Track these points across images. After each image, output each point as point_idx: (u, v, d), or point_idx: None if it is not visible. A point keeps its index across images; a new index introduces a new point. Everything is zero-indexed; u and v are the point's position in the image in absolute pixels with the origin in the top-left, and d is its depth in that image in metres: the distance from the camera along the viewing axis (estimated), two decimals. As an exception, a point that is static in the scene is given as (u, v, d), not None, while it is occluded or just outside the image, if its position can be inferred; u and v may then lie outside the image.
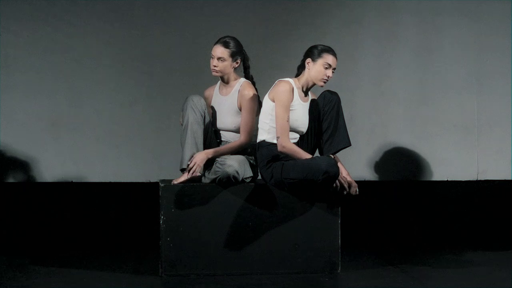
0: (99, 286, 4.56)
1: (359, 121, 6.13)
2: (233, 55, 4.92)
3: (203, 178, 4.89)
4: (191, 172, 4.79)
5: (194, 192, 4.78)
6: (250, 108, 4.89)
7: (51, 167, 5.98)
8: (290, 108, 4.80)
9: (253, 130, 4.92)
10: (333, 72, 4.86)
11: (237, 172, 4.73)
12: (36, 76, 5.99)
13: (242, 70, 5.03)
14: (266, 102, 4.84)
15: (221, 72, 4.94)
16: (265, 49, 6.01)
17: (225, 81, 5.00)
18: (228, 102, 4.96)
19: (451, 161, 6.18)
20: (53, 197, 5.96)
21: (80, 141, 5.99)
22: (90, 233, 5.92)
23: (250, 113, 4.90)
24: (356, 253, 5.48)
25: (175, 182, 4.80)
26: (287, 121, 4.77)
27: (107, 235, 5.89)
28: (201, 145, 4.87)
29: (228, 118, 4.97)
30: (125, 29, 6.04)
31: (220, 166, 4.74)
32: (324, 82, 4.85)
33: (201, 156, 4.82)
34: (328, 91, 4.87)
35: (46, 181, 5.96)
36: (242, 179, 4.79)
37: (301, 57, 4.92)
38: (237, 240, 4.77)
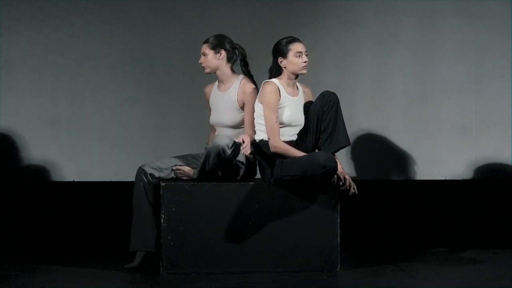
0: (100, 285, 4.58)
1: (358, 121, 6.15)
2: (214, 48, 4.99)
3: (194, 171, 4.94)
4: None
5: (194, 191, 4.80)
6: (252, 105, 4.93)
7: (52, 166, 5.99)
8: (280, 106, 4.86)
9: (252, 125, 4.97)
10: (306, 55, 4.93)
11: (227, 146, 4.74)
12: (37, 76, 6.00)
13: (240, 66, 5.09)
14: (257, 105, 4.91)
15: (208, 67, 5.02)
16: (265, 50, 6.01)
17: (221, 77, 5.05)
18: (226, 98, 5.00)
19: (450, 160, 6.19)
20: (54, 197, 5.98)
21: (81, 141, 6.01)
22: (91, 232, 5.94)
23: (251, 110, 4.94)
24: (355, 252, 5.50)
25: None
26: (276, 121, 4.82)
27: (108, 234, 5.91)
28: (149, 218, 4.88)
29: (226, 114, 5.00)
30: (125, 29, 6.06)
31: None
32: (305, 68, 4.93)
33: None
34: (327, 91, 4.91)
35: (47, 180, 5.98)
36: (232, 159, 4.79)
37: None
38: (237, 239, 4.79)
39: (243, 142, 4.73)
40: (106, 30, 6.04)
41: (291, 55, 4.90)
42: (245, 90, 4.94)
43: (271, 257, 4.81)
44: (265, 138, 4.88)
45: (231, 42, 5.04)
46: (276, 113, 4.82)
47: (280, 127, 4.88)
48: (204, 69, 5.04)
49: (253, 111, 4.93)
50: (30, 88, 5.99)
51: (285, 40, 4.95)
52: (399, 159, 6.19)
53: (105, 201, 5.98)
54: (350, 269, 4.91)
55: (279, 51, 4.93)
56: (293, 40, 4.94)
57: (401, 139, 6.19)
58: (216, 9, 6.09)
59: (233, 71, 5.05)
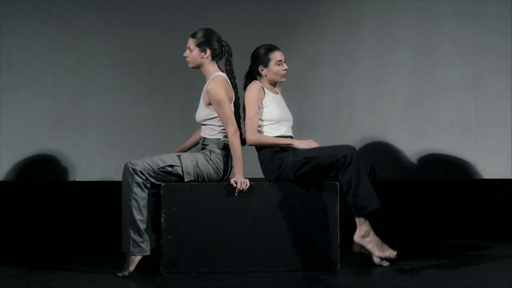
0: (100, 285, 4.59)
1: (358, 120, 6.16)
2: (199, 45, 4.92)
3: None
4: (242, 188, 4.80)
5: (194, 191, 4.81)
6: (218, 101, 4.84)
7: (53, 166, 6.01)
8: (267, 104, 4.95)
9: (232, 117, 4.87)
10: (285, 62, 5.02)
11: (132, 163, 4.77)
12: (37, 76, 6.02)
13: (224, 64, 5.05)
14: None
15: (191, 63, 4.97)
16: (265, 50, 6.05)
17: (204, 74, 5.00)
18: (202, 95, 5.00)
19: (449, 160, 6.21)
20: (54, 196, 5.99)
21: (81, 141, 6.02)
22: (91, 232, 5.95)
23: (221, 105, 4.84)
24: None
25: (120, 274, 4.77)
26: (254, 115, 4.91)
27: (108, 234, 5.91)
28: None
29: (198, 111, 5.00)
30: (126, 29, 6.07)
31: None
32: (285, 76, 5.03)
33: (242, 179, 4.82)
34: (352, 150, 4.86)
35: (48, 180, 5.99)
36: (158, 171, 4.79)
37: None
38: (237, 239, 4.80)
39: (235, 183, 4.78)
40: (106, 30, 6.05)
41: (272, 64, 5.00)
42: (207, 89, 4.88)
43: (271, 257, 4.81)
44: None
45: (218, 40, 4.96)
46: (256, 109, 4.91)
47: (273, 124, 4.96)
48: (188, 63, 5.00)
49: (224, 110, 4.83)
50: (30, 88, 6.01)
51: (264, 49, 5.03)
52: (399, 159, 6.20)
53: (105, 201, 5.99)
54: (349, 268, 4.92)
55: (259, 59, 5.02)
56: (272, 48, 5.03)
57: (401, 139, 6.20)
58: (216, 9, 6.10)
59: (218, 68, 5.00)
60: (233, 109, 4.94)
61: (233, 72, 5.01)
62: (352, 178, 4.75)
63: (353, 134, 6.13)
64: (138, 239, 4.75)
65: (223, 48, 4.99)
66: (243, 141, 5.00)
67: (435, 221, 6.17)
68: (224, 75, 4.96)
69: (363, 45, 6.19)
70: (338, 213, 4.86)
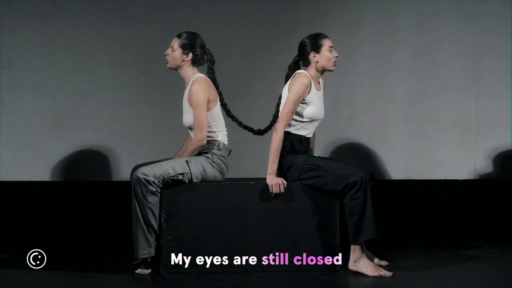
0: (101, 285, 4.59)
1: (358, 120, 6.16)
2: (183, 47, 4.90)
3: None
4: None
5: (194, 191, 4.81)
6: (197, 104, 4.82)
7: (53, 166, 6.00)
8: (308, 101, 4.88)
9: (206, 125, 4.85)
10: (335, 50, 4.98)
11: (144, 173, 4.71)
12: (37, 76, 6.02)
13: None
14: (285, 94, 4.92)
15: (170, 63, 4.94)
16: (264, 50, 6.04)
17: (182, 76, 4.97)
18: (184, 98, 4.97)
19: (449, 160, 6.21)
20: (55, 197, 5.99)
21: (81, 141, 6.02)
22: (91, 232, 5.95)
23: (198, 108, 4.82)
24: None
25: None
26: (292, 112, 4.84)
27: (109, 234, 5.92)
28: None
29: (184, 114, 4.97)
30: (126, 29, 6.07)
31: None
32: (335, 64, 4.96)
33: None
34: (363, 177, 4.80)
35: (48, 180, 5.99)
36: (171, 179, 4.77)
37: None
38: (237, 238, 4.80)
39: None
40: (106, 30, 6.05)
41: (324, 49, 4.93)
42: (191, 90, 4.84)
43: (271, 257, 4.81)
44: (291, 131, 4.91)
45: (202, 46, 4.95)
46: (296, 106, 4.84)
47: (304, 123, 4.92)
48: (166, 62, 4.96)
49: (199, 114, 4.82)
50: (30, 88, 6.01)
51: (314, 37, 4.95)
52: (399, 159, 6.20)
53: (105, 201, 5.99)
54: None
55: (311, 46, 4.93)
56: (322, 34, 4.97)
57: (401, 139, 6.20)
58: (215, 8, 6.10)
59: (197, 71, 4.97)
60: (220, 108, 4.94)
61: (215, 80, 4.97)
62: (358, 205, 4.72)
63: (353, 134, 6.14)
64: (152, 240, 4.76)
65: (205, 56, 4.97)
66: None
67: (435, 221, 6.17)
68: (205, 76, 4.92)
69: (363, 45, 6.19)
70: (338, 213, 4.86)
